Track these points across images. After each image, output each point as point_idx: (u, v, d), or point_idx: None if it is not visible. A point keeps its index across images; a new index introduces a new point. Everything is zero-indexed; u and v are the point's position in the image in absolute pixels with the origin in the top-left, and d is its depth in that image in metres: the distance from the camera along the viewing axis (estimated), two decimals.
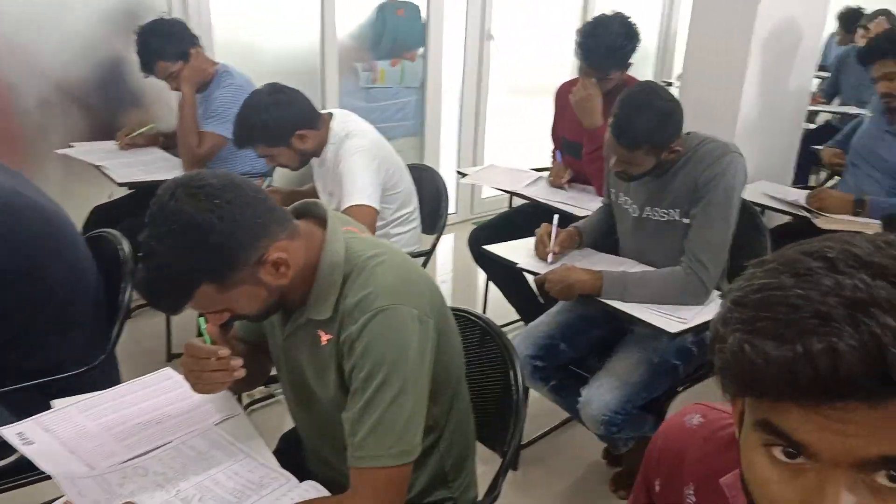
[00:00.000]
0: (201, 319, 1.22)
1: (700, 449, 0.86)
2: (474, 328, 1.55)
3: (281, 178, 3.31)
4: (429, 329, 1.16)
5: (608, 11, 2.56)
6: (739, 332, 0.57)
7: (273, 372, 1.43)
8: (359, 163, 2.28)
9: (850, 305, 0.53)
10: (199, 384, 1.23)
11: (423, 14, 4.24)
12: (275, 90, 2.27)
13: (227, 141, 2.74)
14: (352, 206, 2.24)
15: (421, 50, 4.31)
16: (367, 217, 2.25)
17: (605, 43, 2.48)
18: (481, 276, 3.57)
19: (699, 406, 0.91)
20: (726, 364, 0.59)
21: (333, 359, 1.18)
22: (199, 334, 1.23)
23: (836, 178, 2.83)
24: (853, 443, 0.54)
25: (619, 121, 1.88)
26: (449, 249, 4.28)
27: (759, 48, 2.81)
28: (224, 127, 2.75)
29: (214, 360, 1.19)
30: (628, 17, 2.53)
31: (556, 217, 2.16)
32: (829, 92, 4.69)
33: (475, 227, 2.99)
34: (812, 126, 4.40)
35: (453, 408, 1.34)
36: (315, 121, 2.32)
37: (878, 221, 2.43)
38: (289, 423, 1.49)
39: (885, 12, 4.53)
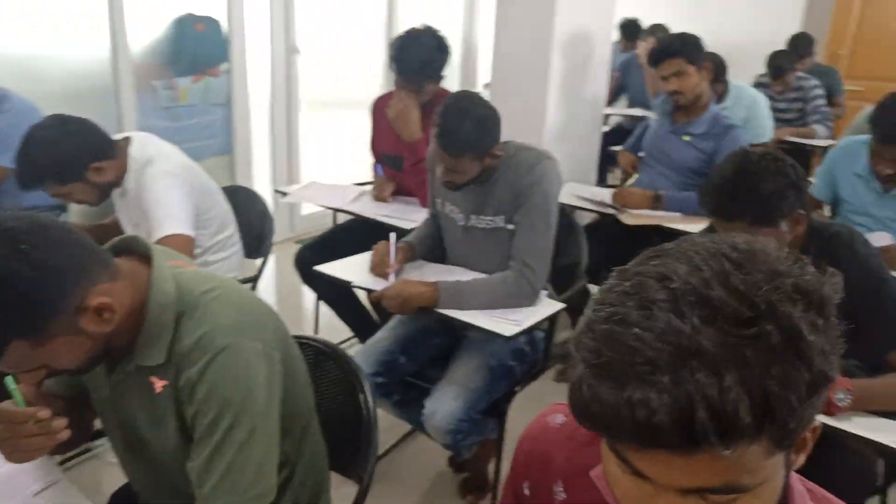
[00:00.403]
0: (9, 379, 1.07)
1: (565, 446, 0.88)
2: (312, 352, 1.50)
3: (77, 211, 3.02)
4: (275, 362, 1.10)
5: (417, 25, 2.60)
6: (584, 364, 0.60)
7: (98, 426, 1.29)
8: (165, 189, 2.12)
9: (676, 354, 0.56)
10: (16, 453, 1.07)
11: (225, 28, 4.07)
12: (59, 121, 2.02)
13: (11, 171, 2.44)
14: (164, 236, 2.07)
15: (224, 65, 4.13)
16: (183, 246, 2.10)
17: (418, 56, 2.51)
18: (308, 296, 3.49)
19: (560, 405, 0.93)
20: (570, 393, 0.63)
21: (171, 406, 1.08)
22: (9, 396, 1.07)
23: (635, 176, 3.07)
24: (676, 476, 0.60)
25: (443, 130, 1.91)
26: (270, 271, 4.14)
27: (558, 58, 2.99)
28: (6, 157, 2.45)
29: (32, 423, 1.04)
30: (438, 31, 2.59)
31: (393, 235, 2.15)
32: (616, 94, 5.11)
33: (300, 246, 2.91)
34: (606, 129, 4.76)
35: (305, 440, 1.28)
36: (110, 149, 2.12)
37: (677, 213, 2.68)
38: (111, 481, 1.35)
39: (660, 27, 5.00)
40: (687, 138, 2.88)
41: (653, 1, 5.81)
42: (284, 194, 2.96)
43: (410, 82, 2.56)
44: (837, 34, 5.70)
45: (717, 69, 3.53)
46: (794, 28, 5.46)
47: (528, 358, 2.15)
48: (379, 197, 2.80)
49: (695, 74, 2.79)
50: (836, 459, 1.49)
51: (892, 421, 1.47)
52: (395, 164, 2.79)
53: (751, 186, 1.57)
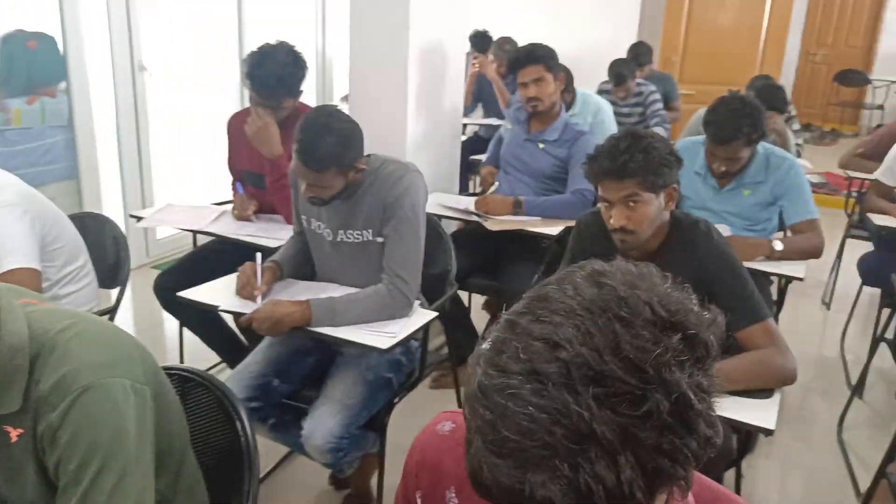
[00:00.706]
0: None
1: (456, 452, 0.89)
2: (181, 383, 1.43)
3: None
4: (146, 398, 1.05)
5: (271, 40, 2.56)
6: (480, 437, 0.60)
7: None
8: (5, 220, 1.96)
9: (573, 440, 0.56)
10: None
11: (61, 46, 3.82)
12: None
13: None
14: (7, 271, 1.92)
15: (63, 85, 3.88)
16: (30, 281, 1.95)
17: (274, 72, 2.47)
18: (169, 324, 3.33)
19: (447, 413, 0.95)
20: (468, 463, 0.62)
21: (30, 456, 1.01)
22: None
23: (496, 184, 3.17)
24: None
25: (304, 146, 1.89)
26: (126, 301, 3.91)
27: (415, 71, 3.04)
28: None
29: None
30: (292, 46, 2.56)
31: (258, 255, 2.09)
32: (473, 103, 5.26)
33: (159, 272, 2.77)
34: (464, 138, 4.88)
35: (181, 476, 1.23)
36: None
37: (537, 217, 2.79)
38: None
39: (508, 40, 5.19)
40: (542, 146, 3.00)
41: (501, 13, 6.03)
42: (139, 219, 2.81)
43: (267, 99, 2.51)
44: (668, 43, 6.17)
45: (566, 79, 3.71)
46: (631, 38, 5.85)
47: (405, 368, 2.16)
48: (241, 216, 2.72)
49: (552, 82, 2.92)
50: None
51: (743, 398, 1.61)
52: (256, 182, 2.72)
53: (645, 148, 1.73)
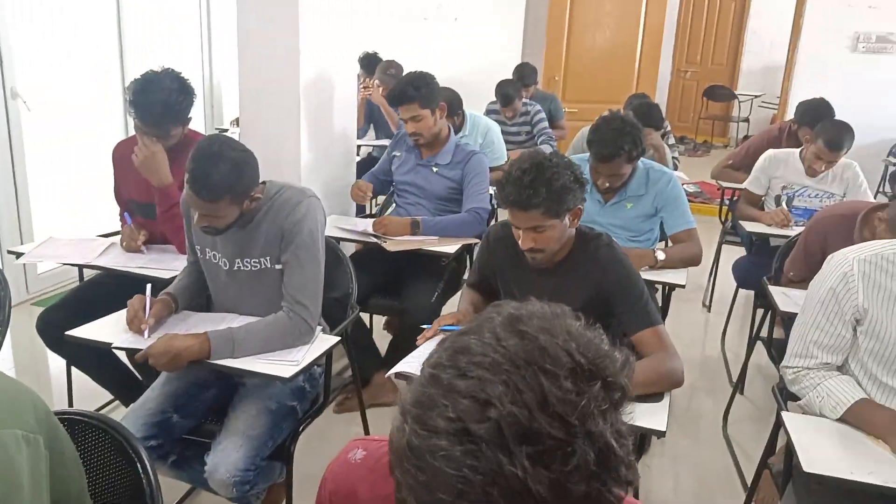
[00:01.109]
0: None
1: (368, 479, 0.91)
2: (73, 426, 1.37)
3: None
4: (39, 447, 1.00)
5: (155, 67, 2.50)
6: (412, 496, 0.61)
7: None
8: None
9: (510, 499, 0.58)
10: None
11: None
12: None
13: None
14: None
15: None
16: None
17: (160, 100, 2.41)
18: (55, 363, 3.16)
19: (358, 441, 0.97)
20: None
21: None
22: None
23: (393, 205, 3.20)
24: None
25: (196, 175, 1.85)
26: (5, 341, 3.67)
27: (307, 96, 3.03)
28: None
29: None
30: (179, 72, 2.51)
31: (148, 286, 2.03)
32: (365, 125, 5.29)
33: (41, 309, 2.64)
34: (358, 159, 4.89)
35: None
36: None
37: (435, 237, 2.84)
38: None
39: (393, 63, 5.24)
40: (435, 169, 3.08)
41: (390, 35, 6.10)
42: (19, 255, 2.66)
43: (153, 127, 2.45)
44: (551, 63, 6.43)
45: (451, 104, 3.78)
46: (516, 59, 6.07)
47: (308, 395, 2.15)
48: (130, 247, 2.63)
49: (429, 117, 2.98)
50: None
51: (636, 403, 1.69)
52: (145, 212, 2.64)
53: (549, 180, 1.82)
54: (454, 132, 3.22)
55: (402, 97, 2.97)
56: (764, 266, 3.02)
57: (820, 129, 3.37)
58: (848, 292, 1.69)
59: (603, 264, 1.97)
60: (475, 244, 2.88)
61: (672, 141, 4.75)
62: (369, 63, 5.79)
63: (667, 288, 2.76)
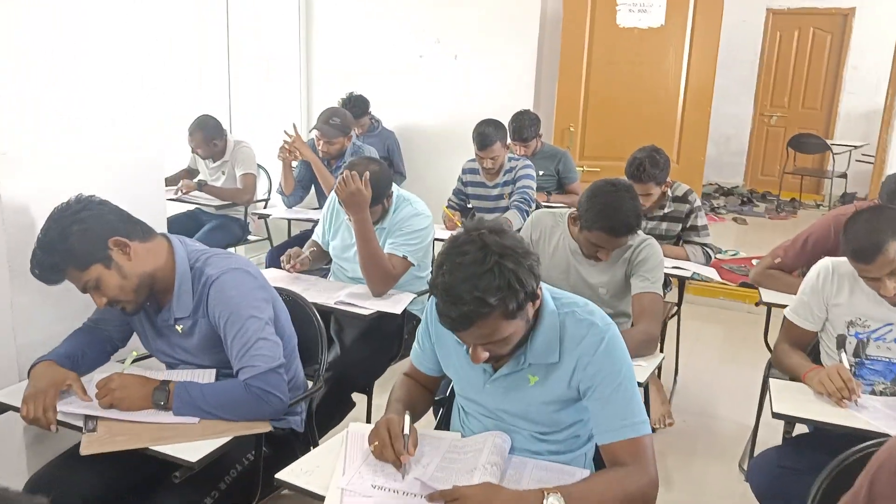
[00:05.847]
0: None
1: None
2: None
3: None
4: None
5: None
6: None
7: None
8: None
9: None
10: None
11: None
12: None
13: None
14: None
15: None
16: None
17: None
18: None
19: None
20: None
21: None
22: None
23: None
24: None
25: None
26: None
27: None
28: None
29: None
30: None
31: None
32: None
33: None
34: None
35: None
36: None
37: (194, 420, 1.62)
38: None
39: (337, 111, 4.10)
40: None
41: (374, 76, 5.02)
42: None
43: None
44: (564, 110, 4.93)
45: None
46: (527, 104, 4.83)
47: None
48: None
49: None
50: None
51: None
52: None
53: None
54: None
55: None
56: (803, 475, 1.68)
57: None
58: None
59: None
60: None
61: (699, 208, 3.35)
62: (355, 106, 4.73)
63: None
